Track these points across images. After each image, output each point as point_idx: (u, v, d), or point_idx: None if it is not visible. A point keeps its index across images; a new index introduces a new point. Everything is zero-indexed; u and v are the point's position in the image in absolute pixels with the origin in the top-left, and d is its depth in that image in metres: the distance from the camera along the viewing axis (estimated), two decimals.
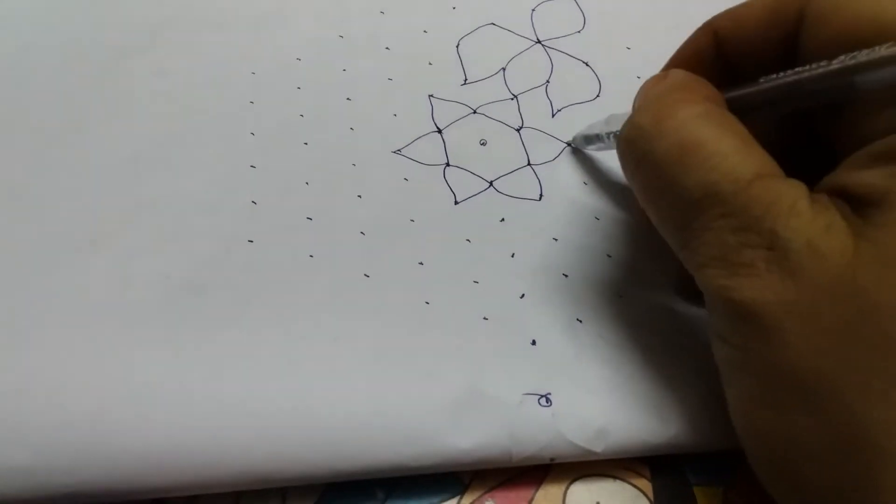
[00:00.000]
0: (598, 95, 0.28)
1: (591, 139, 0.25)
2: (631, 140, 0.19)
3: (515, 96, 0.28)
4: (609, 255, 0.24)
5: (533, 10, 0.31)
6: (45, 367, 0.22)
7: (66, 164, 0.26)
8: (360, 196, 0.25)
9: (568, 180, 0.26)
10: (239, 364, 0.22)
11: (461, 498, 0.21)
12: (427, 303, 0.23)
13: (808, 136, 0.20)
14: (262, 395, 0.21)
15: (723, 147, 0.17)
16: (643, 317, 0.23)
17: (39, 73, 0.28)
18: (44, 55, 0.29)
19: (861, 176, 0.16)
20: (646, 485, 0.22)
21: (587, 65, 0.29)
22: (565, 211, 0.25)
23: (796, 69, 0.17)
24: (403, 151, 0.27)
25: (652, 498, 0.21)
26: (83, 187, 0.25)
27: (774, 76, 0.18)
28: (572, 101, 0.28)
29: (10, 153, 0.26)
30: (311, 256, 0.24)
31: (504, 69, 0.29)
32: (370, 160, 0.26)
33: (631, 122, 0.19)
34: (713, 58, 0.20)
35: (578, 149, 0.27)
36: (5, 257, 0.24)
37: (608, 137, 0.24)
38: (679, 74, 0.19)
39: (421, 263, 0.24)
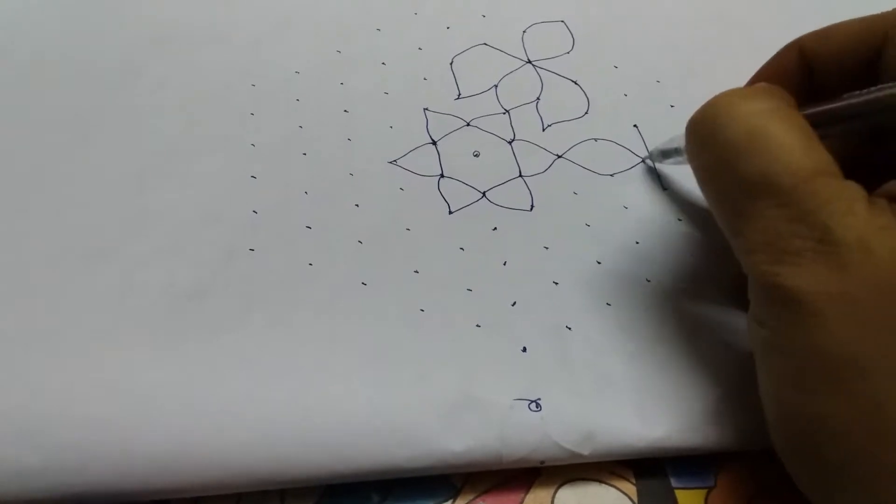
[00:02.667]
0: (586, 112, 0.29)
1: (669, 153, 0.26)
2: (701, 121, 0.20)
3: (507, 111, 0.29)
4: (599, 263, 0.25)
5: (524, 31, 0.32)
6: (53, 372, 0.22)
7: (74, 177, 0.27)
8: (357, 205, 0.26)
9: (558, 191, 0.27)
10: (239, 368, 0.22)
11: (454, 502, 0.22)
12: (422, 310, 0.24)
13: (885, 155, 0.21)
14: (262, 399, 0.22)
15: (787, 141, 0.17)
16: (630, 324, 0.24)
17: (47, 89, 0.29)
18: (51, 72, 0.29)
19: None
20: (630, 488, 0.22)
21: (576, 83, 0.30)
22: (556, 220, 0.26)
23: (878, 86, 0.18)
24: (399, 162, 0.27)
25: (636, 501, 0.22)
26: (90, 199, 0.26)
27: (857, 93, 0.19)
28: (562, 118, 0.29)
29: (20, 167, 0.27)
30: (310, 264, 0.25)
31: (496, 86, 0.30)
32: (367, 170, 0.27)
33: (704, 106, 0.20)
34: (797, 74, 0.21)
35: (655, 164, 0.27)
36: (16, 267, 0.24)
37: None
38: (760, 83, 0.20)
39: (416, 271, 0.25)
